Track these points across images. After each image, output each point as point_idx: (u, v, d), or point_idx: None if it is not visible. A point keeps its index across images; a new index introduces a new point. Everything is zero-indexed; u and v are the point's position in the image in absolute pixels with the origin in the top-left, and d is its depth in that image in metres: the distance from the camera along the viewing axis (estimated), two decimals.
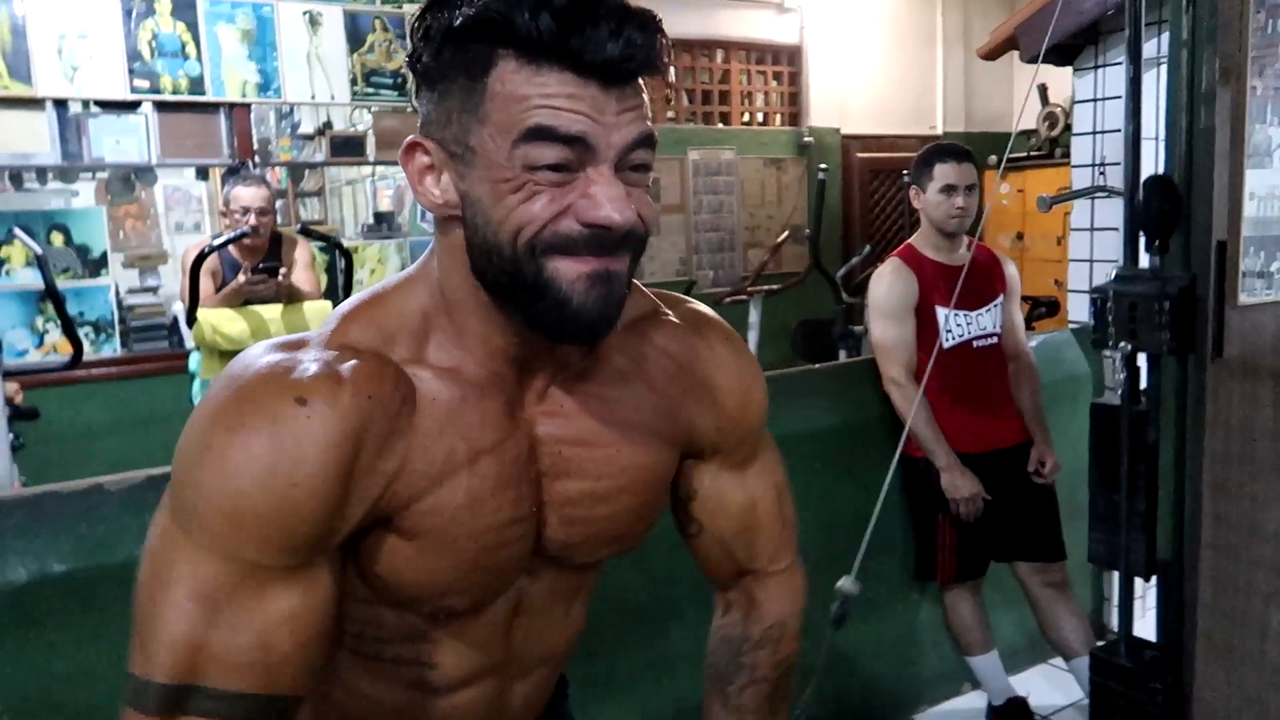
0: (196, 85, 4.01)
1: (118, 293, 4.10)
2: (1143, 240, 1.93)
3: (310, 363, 0.73)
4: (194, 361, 3.19)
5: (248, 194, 3.07)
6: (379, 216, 5.24)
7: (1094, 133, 2.91)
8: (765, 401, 0.94)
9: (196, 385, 3.19)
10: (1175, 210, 1.88)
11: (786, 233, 5.27)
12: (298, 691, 0.73)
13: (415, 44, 0.73)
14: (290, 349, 0.75)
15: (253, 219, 3.04)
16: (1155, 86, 2.63)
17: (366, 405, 0.72)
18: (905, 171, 2.55)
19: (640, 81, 0.72)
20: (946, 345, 2.34)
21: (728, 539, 0.97)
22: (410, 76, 0.75)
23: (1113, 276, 1.98)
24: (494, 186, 0.71)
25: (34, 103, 3.77)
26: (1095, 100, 2.89)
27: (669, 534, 2.20)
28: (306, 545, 0.71)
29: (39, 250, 2.90)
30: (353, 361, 0.74)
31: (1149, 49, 2.59)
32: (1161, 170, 2.63)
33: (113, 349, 4.00)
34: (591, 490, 0.83)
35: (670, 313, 0.90)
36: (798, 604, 1.02)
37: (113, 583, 1.50)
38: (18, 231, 3.23)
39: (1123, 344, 1.90)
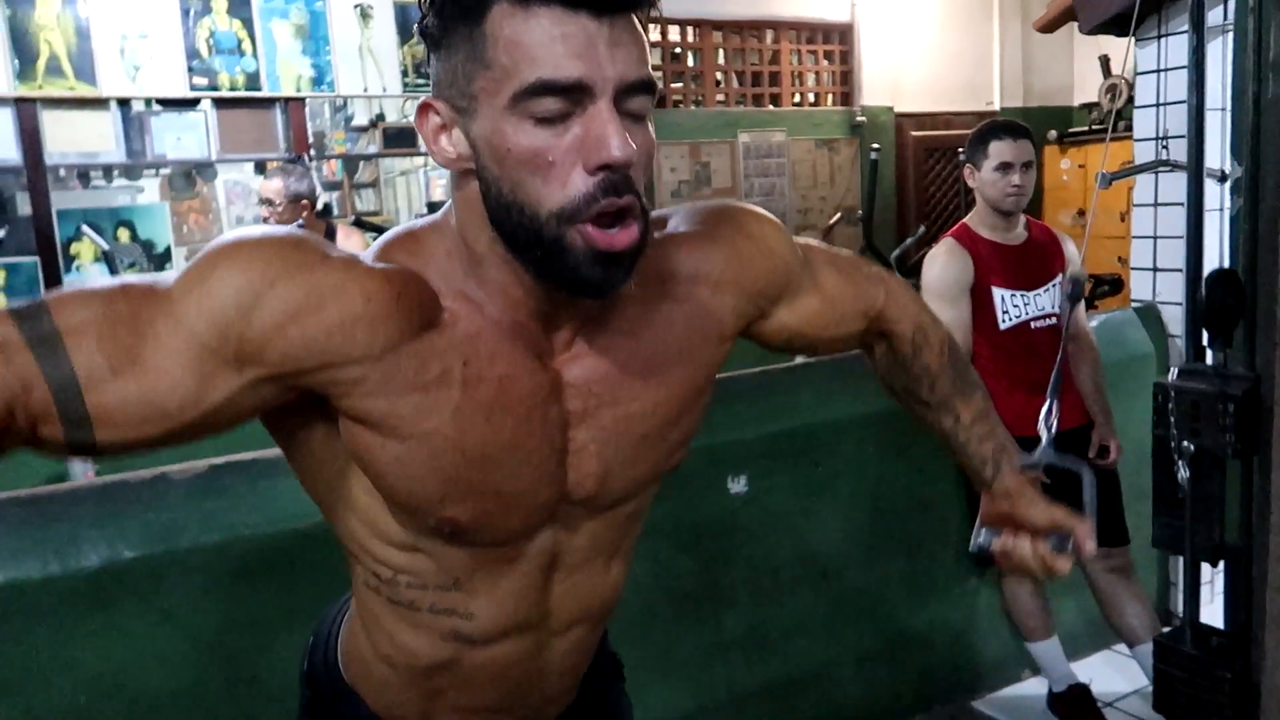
0: (253, 81, 4.10)
1: None
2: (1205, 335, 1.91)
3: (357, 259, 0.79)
4: None
5: (267, 187, 3.28)
6: (432, 207, 5.31)
7: (1157, 105, 2.82)
8: (787, 239, 0.98)
9: None
10: (1239, 305, 1.86)
11: (839, 214, 5.22)
12: (74, 421, 0.70)
13: (423, 9, 0.77)
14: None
15: (282, 211, 3.23)
16: (1221, 55, 2.54)
17: (383, 292, 0.76)
18: (961, 150, 2.50)
19: (634, 20, 0.74)
20: (1003, 326, 2.30)
21: (834, 332, 1.05)
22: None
23: (1174, 373, 1.94)
24: (499, 135, 0.74)
25: (99, 103, 3.89)
26: (1158, 71, 2.80)
27: (722, 521, 2.21)
28: (238, 340, 0.73)
29: (106, 246, 3.00)
30: (395, 267, 0.79)
31: (1214, 16, 2.50)
32: (1228, 144, 2.56)
33: None
34: (626, 414, 0.87)
35: (665, 230, 0.93)
36: (914, 303, 1.10)
37: (179, 568, 1.55)
38: (86, 228, 3.34)
39: (1185, 444, 1.87)
